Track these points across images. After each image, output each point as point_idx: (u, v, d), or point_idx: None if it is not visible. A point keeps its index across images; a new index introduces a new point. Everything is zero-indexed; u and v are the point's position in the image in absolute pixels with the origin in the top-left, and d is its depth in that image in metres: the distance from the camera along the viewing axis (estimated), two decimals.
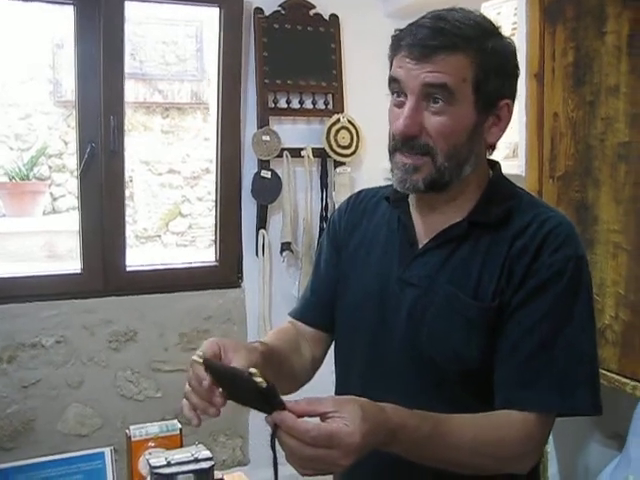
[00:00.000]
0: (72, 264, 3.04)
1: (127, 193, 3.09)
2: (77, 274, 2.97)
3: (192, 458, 1.40)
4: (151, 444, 1.62)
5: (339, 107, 3.22)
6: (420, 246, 1.26)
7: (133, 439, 1.64)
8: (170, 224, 5.76)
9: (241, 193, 3.17)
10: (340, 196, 3.15)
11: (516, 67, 1.22)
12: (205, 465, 1.39)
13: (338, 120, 3.18)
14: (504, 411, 1.14)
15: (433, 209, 1.25)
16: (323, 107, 3.21)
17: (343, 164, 3.22)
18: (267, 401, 0.96)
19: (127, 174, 3.08)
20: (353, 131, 3.19)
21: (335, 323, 1.38)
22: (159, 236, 5.72)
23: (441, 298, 1.20)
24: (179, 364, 3.03)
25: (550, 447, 2.39)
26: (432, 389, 1.20)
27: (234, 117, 3.12)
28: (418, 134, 1.16)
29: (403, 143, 1.18)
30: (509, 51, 1.21)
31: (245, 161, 3.17)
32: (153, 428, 1.66)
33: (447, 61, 1.13)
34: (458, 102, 1.15)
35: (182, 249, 5.65)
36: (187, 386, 1.12)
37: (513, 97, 1.23)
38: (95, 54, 2.87)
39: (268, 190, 3.12)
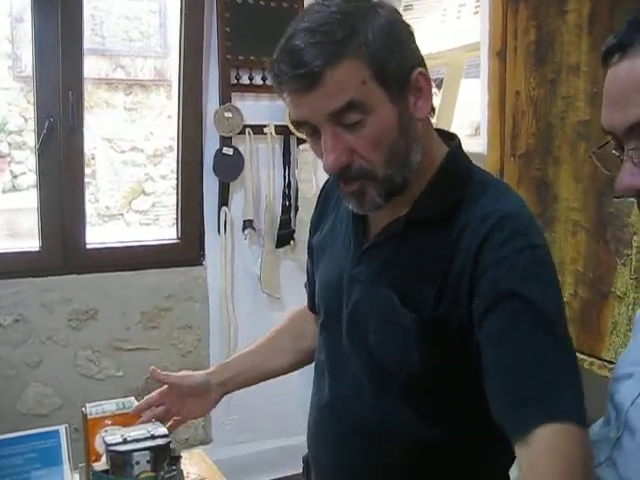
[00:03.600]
0: (33, 242, 2.99)
1: (89, 171, 3.05)
2: (35, 252, 2.92)
3: (148, 435, 1.39)
4: (107, 422, 1.60)
5: None
6: (369, 240, 1.18)
7: (89, 417, 1.61)
8: (133, 202, 5.69)
9: (203, 170, 3.14)
10: (303, 174, 3.14)
11: (407, 30, 1.09)
12: (161, 442, 1.38)
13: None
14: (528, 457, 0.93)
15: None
16: None
17: (305, 141, 3.18)
18: None
19: (89, 152, 3.05)
20: None
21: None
22: (122, 214, 5.65)
23: (383, 301, 1.11)
24: (140, 342, 3.02)
25: None
26: (388, 393, 1.13)
27: (196, 93, 3.08)
28: (350, 160, 1.05)
29: (340, 176, 1.08)
30: (392, 20, 1.07)
31: (207, 138, 3.14)
32: (110, 406, 1.64)
33: (337, 76, 1.00)
34: (372, 106, 1.03)
35: (145, 228, 5.59)
36: None
37: (420, 62, 1.09)
38: (53, 28, 2.81)
39: (230, 167, 3.09)
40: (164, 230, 5.35)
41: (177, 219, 3.22)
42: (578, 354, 1.99)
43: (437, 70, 2.93)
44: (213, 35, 3.09)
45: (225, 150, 3.05)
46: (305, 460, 1.36)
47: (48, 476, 1.46)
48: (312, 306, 1.41)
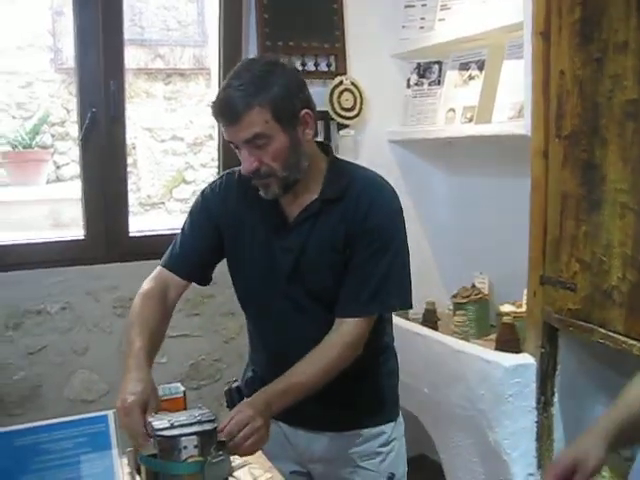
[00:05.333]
0: (77, 232, 3.03)
1: (130, 160, 3.07)
2: (80, 240, 2.96)
3: (195, 420, 1.40)
4: None
5: (342, 69, 3.17)
6: (290, 221, 1.72)
7: None
8: (174, 191, 5.73)
9: None
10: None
11: (300, 84, 1.64)
12: (208, 427, 1.39)
13: (341, 82, 3.13)
14: (326, 337, 1.67)
15: (295, 194, 1.70)
16: (326, 69, 3.17)
17: (347, 127, 3.18)
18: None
19: (130, 141, 3.07)
20: (357, 93, 3.15)
21: (236, 278, 1.85)
22: (163, 203, 5.70)
23: (312, 255, 1.70)
24: (183, 329, 3.04)
25: (555, 410, 2.40)
26: (310, 313, 1.73)
27: None
28: (259, 166, 1.60)
29: (254, 176, 1.63)
30: (290, 78, 1.62)
31: None
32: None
33: (249, 118, 1.55)
34: (272, 136, 1.58)
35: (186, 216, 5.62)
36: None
37: (308, 104, 1.65)
38: (94, 20, 2.83)
39: None
40: None
41: None
42: (627, 339, 1.97)
43: (478, 52, 2.89)
44: (252, 22, 3.08)
45: None
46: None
47: (97, 460, 1.47)
48: (182, 270, 1.81)
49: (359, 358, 1.70)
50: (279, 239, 1.73)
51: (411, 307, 1.78)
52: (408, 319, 2.93)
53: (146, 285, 1.82)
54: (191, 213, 1.86)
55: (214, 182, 1.87)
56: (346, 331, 1.67)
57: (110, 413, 1.48)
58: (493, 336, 2.74)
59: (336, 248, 1.69)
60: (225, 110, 1.58)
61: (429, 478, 2.94)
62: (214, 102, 1.62)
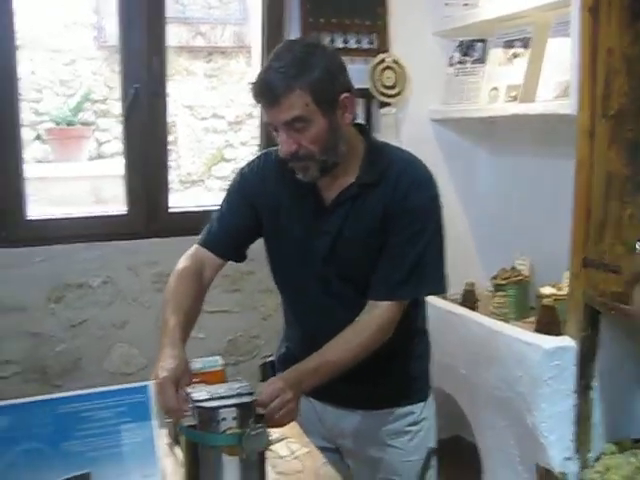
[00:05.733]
0: (118, 208, 3.07)
1: (171, 138, 3.09)
2: (122, 215, 3.00)
3: (234, 393, 1.41)
4: (194, 380, 1.63)
5: (384, 46, 3.14)
6: (327, 204, 1.73)
7: None
8: (213, 169, 5.76)
9: None
10: (385, 137, 3.10)
11: (341, 67, 1.64)
12: (247, 399, 1.40)
13: (383, 60, 3.11)
14: (358, 318, 1.67)
15: (333, 177, 1.70)
16: (368, 46, 3.14)
17: (388, 105, 3.15)
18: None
19: (171, 119, 3.08)
20: (398, 71, 3.12)
21: (273, 258, 1.87)
22: (202, 181, 5.74)
23: (349, 238, 1.70)
24: (222, 305, 3.06)
25: (594, 394, 2.37)
26: (343, 295, 1.75)
27: None
28: (297, 149, 1.60)
29: (291, 159, 1.63)
30: (331, 60, 1.62)
31: None
32: (196, 364, 1.68)
33: (290, 100, 1.55)
34: (311, 119, 1.57)
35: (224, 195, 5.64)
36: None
37: (348, 87, 1.65)
38: None
39: None
40: None
41: None
42: None
43: (523, 29, 2.83)
44: None
45: None
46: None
47: (137, 430, 1.49)
48: (220, 249, 1.82)
49: (390, 340, 1.70)
50: (316, 222, 1.74)
51: (445, 292, 1.77)
52: (447, 299, 2.91)
53: (182, 263, 1.82)
54: (229, 192, 1.87)
55: (252, 161, 1.88)
56: (378, 314, 1.68)
57: (150, 384, 1.49)
58: (532, 319, 2.72)
59: (373, 232, 1.69)
60: (265, 92, 1.58)
61: (464, 460, 2.93)
62: (254, 83, 1.62)
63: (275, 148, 1.78)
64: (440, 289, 1.75)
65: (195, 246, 1.86)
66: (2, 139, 2.75)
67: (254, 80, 1.62)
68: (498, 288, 2.95)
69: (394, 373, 1.83)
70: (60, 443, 1.43)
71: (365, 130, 1.79)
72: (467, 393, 2.78)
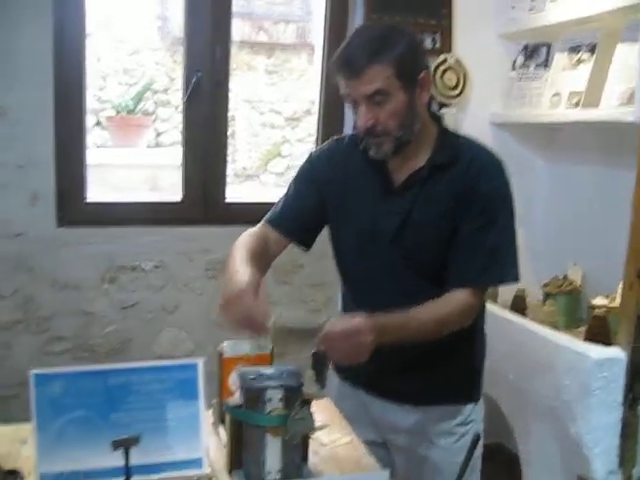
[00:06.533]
0: (173, 196, 3.12)
1: (229, 131, 3.12)
2: (178, 203, 3.04)
3: (282, 375, 1.42)
4: (242, 362, 1.65)
5: (447, 46, 3.13)
6: (397, 186, 1.73)
7: (225, 355, 1.68)
8: (269, 164, 5.79)
9: (343, 131, 3.14)
10: None
11: (421, 47, 1.75)
12: (294, 382, 1.41)
13: (445, 60, 3.09)
14: (443, 297, 1.66)
15: (403, 159, 1.71)
16: (430, 46, 3.13)
17: (448, 105, 3.14)
18: None
19: (230, 112, 3.12)
20: (460, 72, 3.11)
21: (338, 243, 1.87)
22: (258, 175, 5.78)
23: (417, 220, 1.70)
24: (271, 296, 3.06)
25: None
26: (406, 280, 1.74)
27: None
28: (375, 124, 1.62)
29: (368, 133, 1.65)
30: (412, 39, 1.66)
31: None
32: (245, 346, 1.69)
33: (373, 72, 1.57)
34: (391, 93, 1.60)
35: (280, 189, 5.67)
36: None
37: (426, 66, 1.68)
38: None
39: None
40: None
41: None
42: None
43: (590, 34, 2.79)
44: None
45: None
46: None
47: (183, 406, 1.51)
48: (286, 228, 1.84)
49: (452, 333, 1.69)
50: (384, 203, 1.74)
51: (519, 281, 1.73)
52: (497, 304, 2.88)
53: (245, 236, 1.83)
54: (296, 176, 1.90)
55: (321, 147, 1.91)
56: (460, 297, 1.67)
57: (200, 362, 1.52)
58: (582, 329, 2.67)
59: (443, 215, 1.69)
60: (348, 64, 1.60)
61: (504, 468, 2.90)
62: (336, 57, 1.64)
63: (345, 135, 1.86)
64: (516, 277, 1.73)
65: (260, 224, 1.88)
66: (68, 124, 2.82)
67: (336, 55, 1.65)
68: (549, 296, 2.91)
69: (447, 369, 1.82)
70: (109, 413, 1.46)
71: (438, 117, 1.81)
72: (512, 399, 2.75)
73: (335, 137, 1.91)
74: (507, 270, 1.71)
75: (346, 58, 1.61)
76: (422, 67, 1.66)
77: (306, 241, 1.89)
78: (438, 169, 1.69)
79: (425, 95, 1.67)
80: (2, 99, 2.71)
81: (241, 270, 1.60)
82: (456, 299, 1.67)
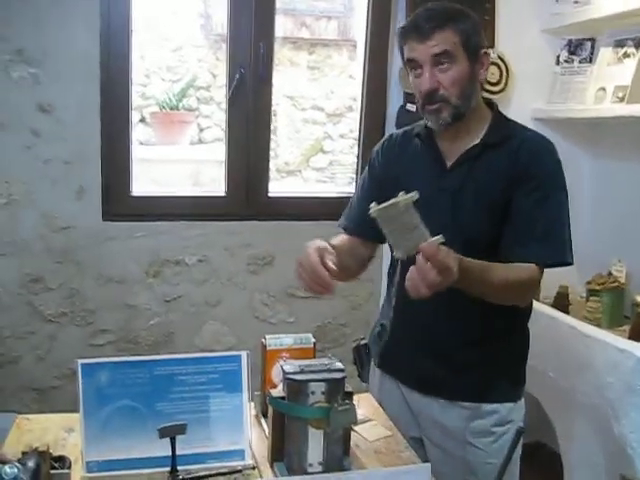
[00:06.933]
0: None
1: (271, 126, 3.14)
2: (221, 197, 3.07)
3: (325, 368, 1.44)
4: (285, 354, 1.67)
5: (490, 42, 3.10)
6: (449, 165, 1.79)
7: (268, 348, 1.70)
8: (311, 160, 5.81)
9: (385, 127, 3.15)
10: None
11: (480, 28, 1.75)
12: (337, 375, 1.42)
13: (489, 53, 3.06)
14: (514, 263, 1.66)
15: (455, 138, 1.78)
16: None
17: (489, 100, 3.11)
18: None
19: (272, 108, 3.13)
20: (503, 67, 3.08)
21: None
22: (300, 171, 5.79)
23: (469, 195, 1.74)
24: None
25: None
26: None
27: (382, 50, 3.10)
28: (437, 88, 1.69)
29: (429, 97, 1.71)
30: (475, 19, 1.74)
31: (390, 95, 3.14)
32: (288, 339, 1.72)
33: (442, 35, 1.66)
34: (457, 59, 1.68)
35: (322, 185, 5.70)
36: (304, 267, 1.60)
37: (486, 46, 1.76)
38: None
39: (413, 123, 3.07)
40: (340, 188, 5.42)
41: (356, 175, 3.26)
42: None
43: (636, 28, 2.75)
44: None
45: (409, 106, 3.02)
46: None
47: (227, 398, 1.54)
48: (360, 229, 1.91)
49: (494, 323, 1.73)
50: (437, 182, 1.78)
51: (572, 263, 1.73)
52: (538, 300, 2.86)
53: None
54: (362, 177, 2.02)
55: (378, 145, 1.99)
56: (525, 269, 1.66)
57: (244, 353, 1.54)
58: (626, 327, 2.65)
59: (494, 190, 1.72)
60: (419, 26, 1.68)
61: (545, 466, 2.88)
62: (406, 24, 1.74)
63: (398, 131, 1.97)
64: (572, 260, 1.72)
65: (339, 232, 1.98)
66: (114, 120, 2.86)
67: (404, 24, 1.75)
68: (592, 293, 2.88)
69: (487, 363, 1.81)
70: (155, 403, 1.50)
71: (493, 103, 1.87)
72: (554, 397, 2.73)
73: (388, 134, 1.99)
74: (566, 250, 1.71)
75: (417, 22, 1.69)
76: (483, 45, 1.75)
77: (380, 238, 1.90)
78: (490, 147, 1.75)
79: (483, 73, 1.76)
80: (50, 96, 2.76)
81: (316, 242, 1.69)
82: (523, 269, 1.66)
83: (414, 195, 1.39)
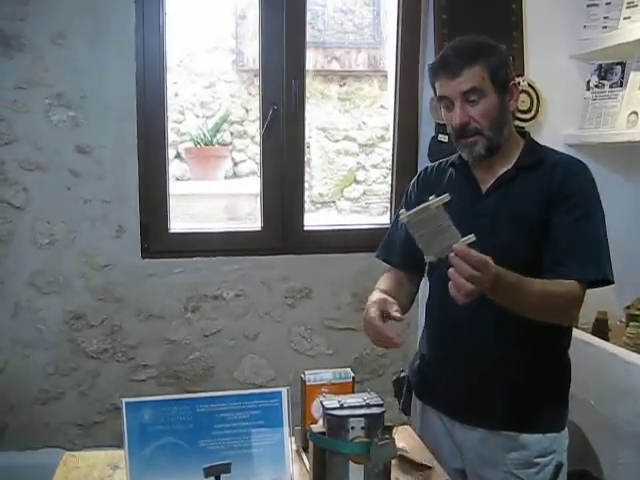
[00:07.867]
0: (252, 225, 3.19)
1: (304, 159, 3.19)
2: (257, 232, 3.11)
3: (364, 403, 1.45)
4: (324, 390, 1.69)
5: (519, 70, 3.10)
6: (484, 190, 1.84)
7: (307, 383, 1.72)
8: (345, 190, 5.85)
9: (418, 158, 3.17)
10: None
11: (509, 60, 1.81)
12: (376, 410, 1.44)
13: (518, 83, 3.08)
14: (556, 279, 1.66)
15: (489, 166, 1.83)
16: None
17: (522, 128, 3.12)
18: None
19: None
20: (533, 95, 3.09)
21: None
22: (334, 202, 5.83)
23: (505, 220, 1.77)
24: (351, 323, 3.10)
25: None
26: None
27: (412, 81, 3.13)
28: (468, 122, 1.75)
29: (461, 131, 1.77)
30: (503, 51, 1.80)
31: (422, 126, 3.17)
32: (327, 374, 1.73)
33: (470, 72, 1.72)
34: (485, 94, 1.74)
35: (356, 215, 5.73)
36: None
37: (514, 78, 1.81)
38: (278, 23, 2.98)
39: (445, 154, 3.07)
40: (374, 218, 5.45)
41: (391, 206, 3.28)
42: None
43: None
44: (429, 23, 3.08)
45: (441, 137, 3.04)
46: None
47: (269, 434, 1.55)
48: (386, 256, 2.06)
49: (535, 351, 1.76)
50: (473, 207, 1.82)
51: (613, 282, 1.75)
52: (577, 327, 2.84)
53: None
54: (399, 211, 1.97)
55: (414, 177, 2.06)
56: (567, 285, 1.67)
57: (284, 390, 1.56)
58: None
59: (529, 212, 1.75)
60: (447, 65, 1.74)
61: None
62: (435, 61, 1.82)
63: (432, 164, 2.04)
64: (613, 278, 1.74)
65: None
66: (151, 157, 2.93)
67: (434, 61, 1.83)
68: (632, 318, 2.85)
69: (529, 392, 1.80)
70: (198, 440, 1.52)
71: (526, 132, 1.93)
72: (596, 425, 2.70)
73: (425, 166, 2.06)
74: (607, 267, 1.73)
75: (446, 60, 1.76)
76: (512, 77, 1.80)
77: (418, 269, 2.00)
78: (524, 170, 1.79)
79: (513, 103, 1.81)
80: (88, 138, 2.84)
81: (374, 295, 1.82)
82: (565, 285, 1.66)
83: (446, 197, 1.41)
